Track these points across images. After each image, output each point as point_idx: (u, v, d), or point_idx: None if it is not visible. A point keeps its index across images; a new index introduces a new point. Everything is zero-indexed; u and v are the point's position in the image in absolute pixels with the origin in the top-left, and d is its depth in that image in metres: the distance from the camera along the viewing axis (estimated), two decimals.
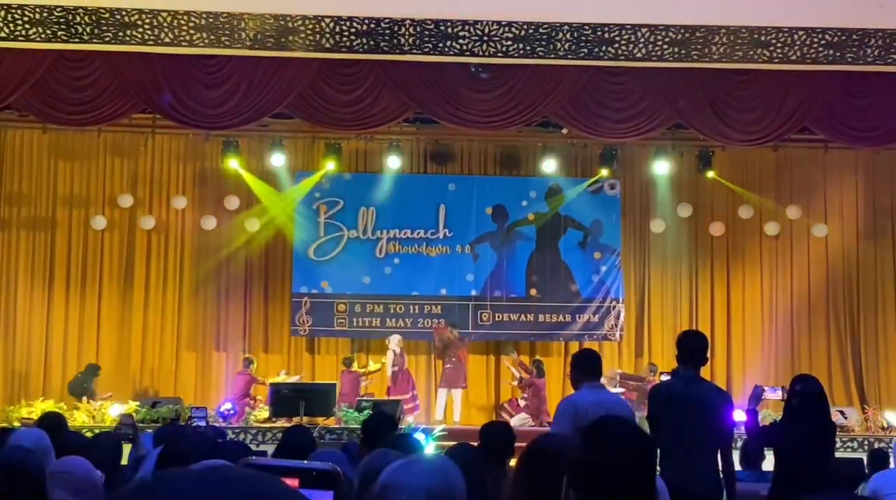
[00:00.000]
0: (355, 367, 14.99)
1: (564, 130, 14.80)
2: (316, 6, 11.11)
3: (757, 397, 6.68)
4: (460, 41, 11.50)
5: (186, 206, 15.85)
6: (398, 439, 4.76)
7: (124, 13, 10.99)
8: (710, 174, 15.55)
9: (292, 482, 1.71)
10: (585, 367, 5.65)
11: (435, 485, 2.53)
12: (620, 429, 2.48)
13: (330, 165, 15.33)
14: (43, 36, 11.20)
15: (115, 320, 15.76)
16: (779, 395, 7.35)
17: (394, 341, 14.99)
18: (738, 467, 6.74)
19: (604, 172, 15.62)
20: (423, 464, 2.69)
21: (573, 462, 2.44)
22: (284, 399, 13.31)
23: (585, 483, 2.36)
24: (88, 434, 8.73)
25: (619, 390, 14.69)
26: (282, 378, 14.52)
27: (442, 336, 15.02)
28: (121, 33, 11.23)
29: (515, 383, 15.20)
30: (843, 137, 13.73)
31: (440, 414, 14.77)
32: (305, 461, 3.38)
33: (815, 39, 11.37)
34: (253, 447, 10.22)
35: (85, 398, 14.03)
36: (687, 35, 11.41)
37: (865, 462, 8.30)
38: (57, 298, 15.64)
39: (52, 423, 6.54)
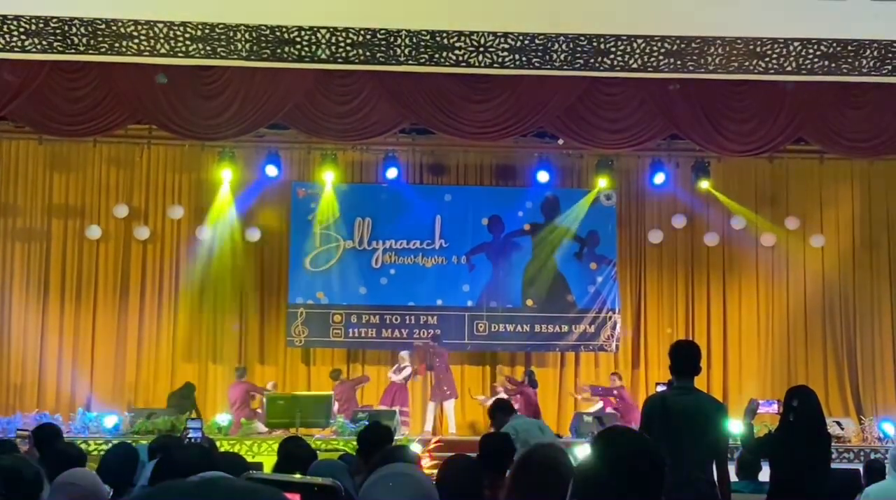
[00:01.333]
0: (344, 377, 15.00)
1: (560, 141, 14.81)
2: (312, 17, 11.08)
3: (752, 411, 6.69)
4: (456, 52, 11.49)
5: (182, 216, 15.83)
6: (394, 451, 4.75)
7: (120, 24, 10.97)
8: (705, 185, 15.54)
9: (293, 497, 1.70)
10: (505, 410, 8.13)
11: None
12: (630, 439, 2.44)
13: (328, 175, 15.31)
14: (39, 47, 11.17)
15: (110, 331, 15.72)
16: (774, 408, 7.34)
17: (408, 358, 14.97)
18: (734, 477, 6.73)
19: (602, 182, 15.61)
20: (398, 479, 2.68)
21: (578, 472, 2.41)
22: (280, 410, 13.26)
23: (591, 493, 2.33)
24: (85, 446, 8.72)
25: (598, 405, 14.70)
26: (269, 390, 14.46)
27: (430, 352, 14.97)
28: (117, 44, 11.20)
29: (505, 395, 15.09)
30: (839, 147, 13.75)
31: (430, 425, 14.77)
32: (306, 476, 3.37)
33: (811, 50, 11.38)
34: (248, 458, 10.18)
35: (191, 413, 14.09)
36: (683, 46, 11.40)
37: (862, 473, 8.27)
38: (52, 309, 15.61)
39: (46, 434, 6.54)
